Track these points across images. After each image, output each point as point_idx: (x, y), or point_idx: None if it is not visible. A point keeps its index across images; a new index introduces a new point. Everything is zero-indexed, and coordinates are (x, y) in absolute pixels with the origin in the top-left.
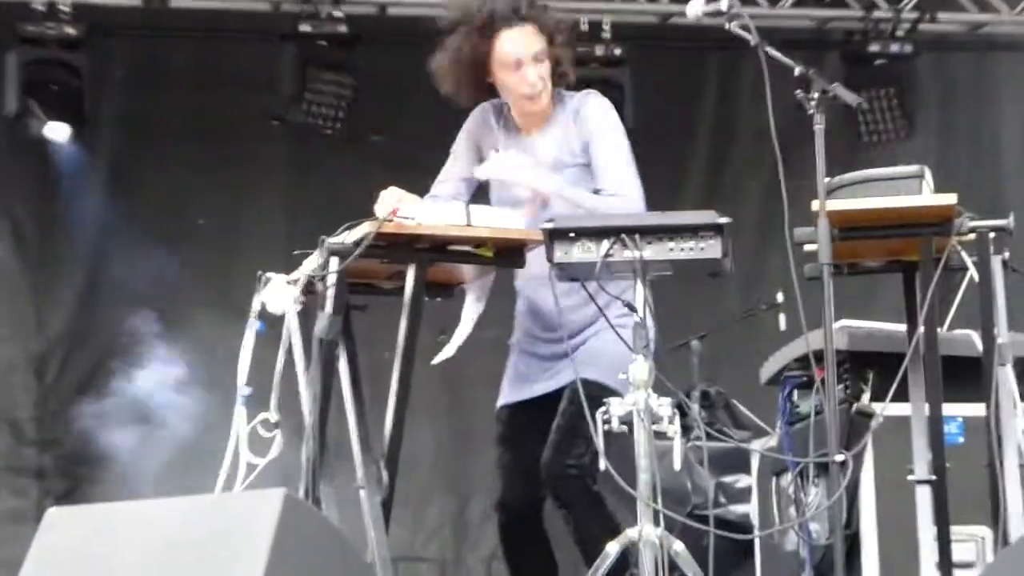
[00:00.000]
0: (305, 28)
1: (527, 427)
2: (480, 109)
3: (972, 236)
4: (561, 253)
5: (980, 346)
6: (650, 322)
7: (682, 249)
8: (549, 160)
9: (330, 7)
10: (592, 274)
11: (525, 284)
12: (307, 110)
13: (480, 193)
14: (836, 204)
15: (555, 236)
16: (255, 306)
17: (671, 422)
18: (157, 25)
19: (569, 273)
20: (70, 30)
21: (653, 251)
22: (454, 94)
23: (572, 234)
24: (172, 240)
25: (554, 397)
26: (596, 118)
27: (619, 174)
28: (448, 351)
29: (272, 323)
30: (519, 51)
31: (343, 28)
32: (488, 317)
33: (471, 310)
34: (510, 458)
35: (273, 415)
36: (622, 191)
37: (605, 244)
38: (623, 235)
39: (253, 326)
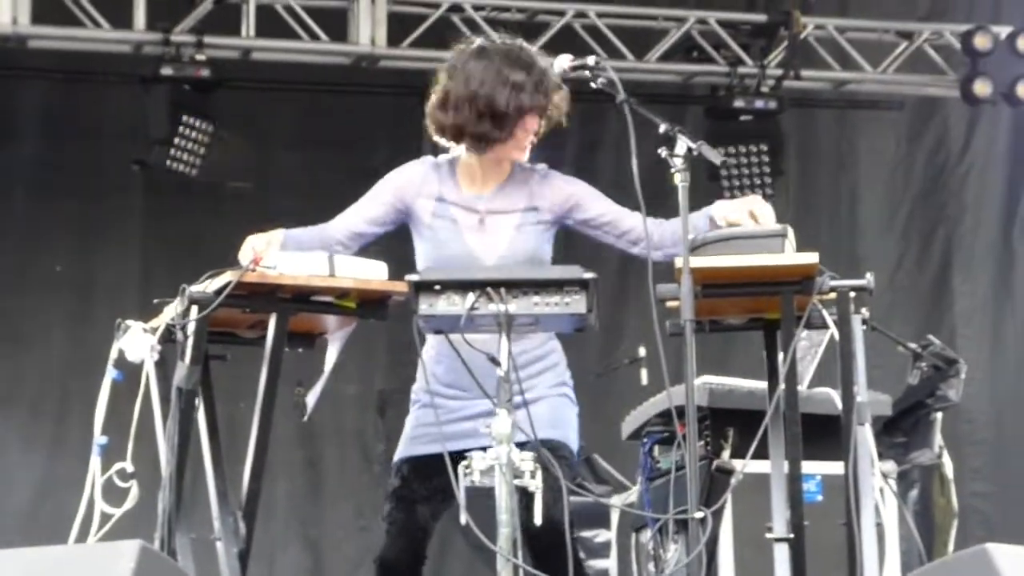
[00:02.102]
0: (167, 71)
1: (428, 485)
2: (420, 163)
3: (832, 295)
4: (426, 305)
5: (839, 404)
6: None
7: (547, 304)
8: (519, 207)
9: (193, 50)
10: (457, 327)
11: (455, 339)
12: (172, 155)
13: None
14: (699, 261)
15: (420, 288)
16: (113, 354)
17: (533, 476)
18: (13, 65)
19: (434, 325)
20: None
21: (518, 305)
22: (446, 130)
23: (437, 287)
24: (27, 286)
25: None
26: (569, 180)
27: (629, 212)
28: (310, 404)
29: (130, 372)
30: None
31: (206, 72)
32: (348, 372)
33: (331, 361)
34: (402, 516)
35: (129, 465)
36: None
37: (471, 297)
38: (488, 288)
39: (110, 374)
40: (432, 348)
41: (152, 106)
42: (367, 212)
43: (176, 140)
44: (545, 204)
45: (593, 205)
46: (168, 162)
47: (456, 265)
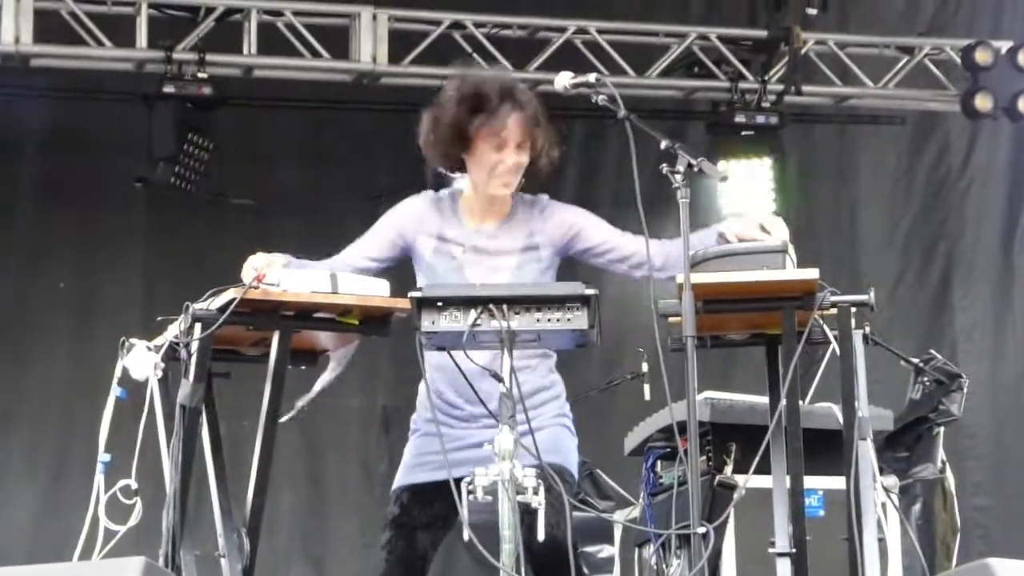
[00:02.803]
0: (169, 89)
1: (429, 511)
2: (423, 197)
3: (833, 311)
4: (428, 322)
5: (841, 419)
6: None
7: (549, 320)
8: (519, 245)
9: (195, 68)
10: (460, 343)
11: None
12: (177, 172)
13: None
14: (701, 277)
15: (423, 305)
16: (117, 372)
17: (536, 492)
18: (16, 84)
19: (436, 342)
20: None
21: (520, 321)
22: (433, 159)
23: (440, 303)
24: (31, 303)
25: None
26: (569, 210)
27: (631, 237)
28: (290, 412)
29: (134, 389)
30: (508, 133)
31: (208, 89)
32: (351, 388)
33: (327, 377)
34: (402, 544)
35: (133, 482)
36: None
37: (472, 314)
38: (491, 305)
39: (114, 392)
40: (433, 374)
41: (158, 124)
42: (369, 249)
43: (181, 157)
44: (545, 239)
45: (593, 234)
46: (173, 179)
47: None
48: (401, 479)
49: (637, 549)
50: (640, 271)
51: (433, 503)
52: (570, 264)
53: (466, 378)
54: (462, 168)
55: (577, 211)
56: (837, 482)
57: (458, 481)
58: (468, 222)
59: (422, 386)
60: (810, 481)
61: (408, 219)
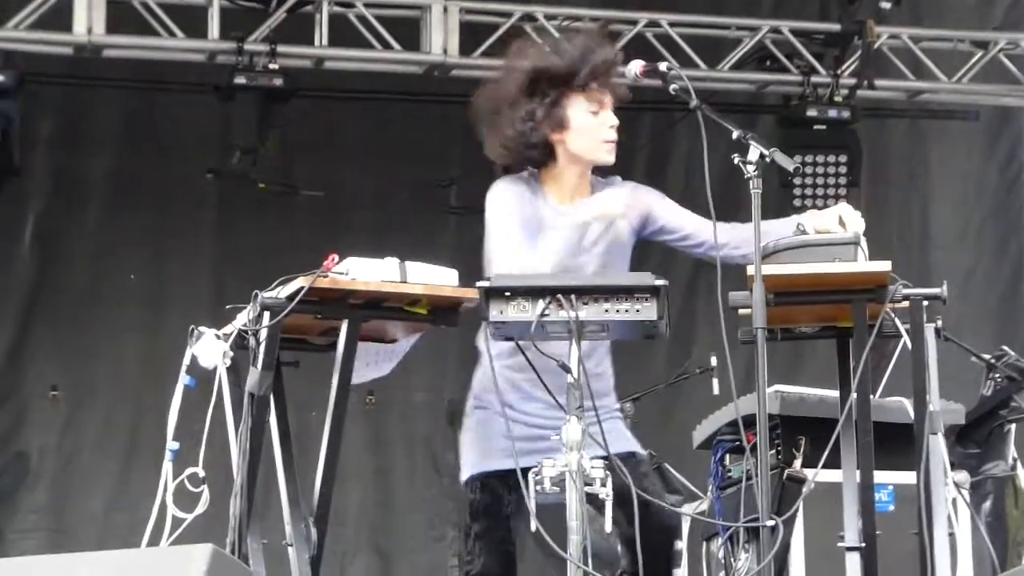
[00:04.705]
0: (240, 80)
1: (514, 496)
2: (509, 180)
3: (905, 304)
4: (496, 312)
5: (912, 413)
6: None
7: (618, 311)
8: (612, 211)
9: (266, 59)
10: (527, 333)
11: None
12: (254, 164)
13: None
14: (771, 269)
15: (491, 295)
16: (186, 360)
17: (603, 484)
18: (88, 75)
19: (504, 332)
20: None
21: (589, 312)
22: (517, 158)
23: (508, 293)
24: (103, 295)
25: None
26: (643, 188)
27: (698, 218)
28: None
29: (202, 378)
30: (606, 97)
31: (279, 81)
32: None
33: (371, 375)
34: (499, 534)
35: (201, 470)
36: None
37: (540, 304)
38: (559, 295)
39: (183, 381)
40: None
41: (239, 115)
42: (528, 228)
43: (259, 149)
44: (632, 213)
45: (666, 212)
46: (244, 170)
47: None
48: (482, 465)
49: (705, 543)
50: (714, 251)
51: (516, 487)
52: (641, 254)
53: (532, 366)
54: (541, 163)
55: (650, 190)
56: (907, 477)
57: (525, 471)
58: (556, 201)
59: (481, 371)
60: (880, 476)
61: (519, 196)
